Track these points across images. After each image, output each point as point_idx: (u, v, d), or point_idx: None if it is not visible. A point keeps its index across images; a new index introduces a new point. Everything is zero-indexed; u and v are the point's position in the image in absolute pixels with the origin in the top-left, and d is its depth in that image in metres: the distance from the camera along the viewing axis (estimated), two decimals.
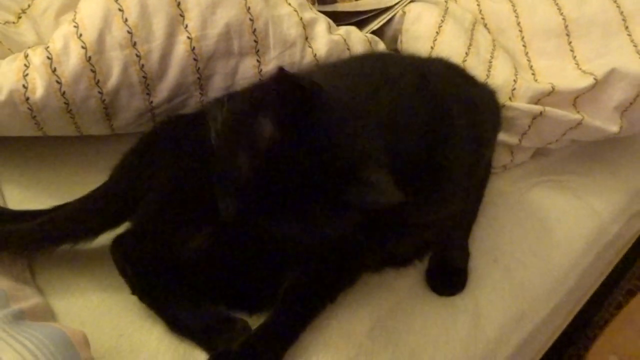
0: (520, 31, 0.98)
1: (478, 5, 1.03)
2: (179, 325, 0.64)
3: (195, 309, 0.65)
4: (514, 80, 0.87)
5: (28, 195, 0.75)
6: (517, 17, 0.99)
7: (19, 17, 0.89)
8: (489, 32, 0.99)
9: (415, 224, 0.67)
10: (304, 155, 0.51)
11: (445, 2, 0.99)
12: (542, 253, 0.84)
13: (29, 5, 0.89)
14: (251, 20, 0.78)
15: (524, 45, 0.97)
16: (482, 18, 1.02)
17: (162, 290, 0.65)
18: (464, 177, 0.67)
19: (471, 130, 0.66)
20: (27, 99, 0.69)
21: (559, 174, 0.95)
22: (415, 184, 0.57)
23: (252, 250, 0.66)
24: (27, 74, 0.69)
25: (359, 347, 0.67)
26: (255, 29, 0.79)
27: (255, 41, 0.79)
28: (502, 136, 0.87)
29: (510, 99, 0.86)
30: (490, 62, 0.91)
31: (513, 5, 1.00)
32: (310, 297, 0.67)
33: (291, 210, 0.52)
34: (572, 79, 0.88)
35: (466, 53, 0.90)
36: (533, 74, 0.94)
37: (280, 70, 0.49)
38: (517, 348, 0.78)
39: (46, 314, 0.61)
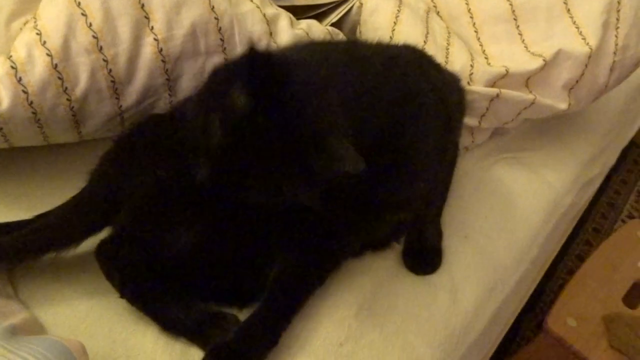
0: (472, 18, 1.03)
1: None
2: (172, 324, 0.64)
3: (185, 307, 0.65)
4: (471, 65, 0.92)
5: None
6: (467, 4, 1.03)
7: None
8: (442, 19, 1.04)
9: (387, 203, 0.70)
10: (273, 126, 0.54)
11: None
12: (507, 226, 0.90)
13: None
14: (216, 19, 0.78)
15: (476, 31, 1.02)
16: (435, 6, 1.06)
17: (151, 291, 0.65)
18: (433, 157, 0.71)
19: (440, 113, 0.70)
20: None
21: (515, 150, 1.01)
22: (383, 159, 0.62)
23: (237, 245, 0.67)
24: None
25: (349, 330, 0.70)
26: (220, 28, 0.79)
27: (222, 39, 0.80)
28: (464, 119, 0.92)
29: (468, 83, 0.91)
30: (447, 49, 0.95)
31: None
32: (298, 281, 0.69)
33: (260, 177, 0.56)
34: (523, 62, 0.93)
35: (424, 41, 0.94)
36: (486, 58, 0.99)
37: (252, 48, 0.53)
38: (492, 317, 0.84)
39: (36, 328, 0.60)
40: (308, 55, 0.65)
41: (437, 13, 1.06)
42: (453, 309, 0.78)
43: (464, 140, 0.96)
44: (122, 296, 0.66)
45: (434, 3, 1.07)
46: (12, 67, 0.68)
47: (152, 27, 0.74)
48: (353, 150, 0.54)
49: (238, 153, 0.55)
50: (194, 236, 0.66)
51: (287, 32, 0.87)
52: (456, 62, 0.92)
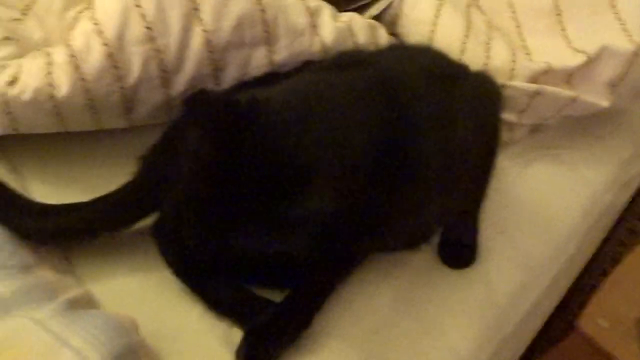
0: (513, 12, 1.02)
1: None
2: (217, 304, 0.67)
3: (231, 289, 0.68)
4: (513, 61, 0.91)
5: (52, 190, 0.76)
6: None
7: (24, 14, 0.89)
8: (484, 13, 1.03)
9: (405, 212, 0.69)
10: (248, 171, 0.53)
11: None
12: (543, 223, 0.90)
13: (33, 2, 0.89)
14: (262, 11, 0.80)
15: (518, 26, 1.01)
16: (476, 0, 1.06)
17: (201, 271, 0.68)
18: (446, 169, 0.67)
19: (447, 124, 0.67)
20: (52, 96, 0.70)
21: (553, 148, 1.00)
22: (383, 183, 0.61)
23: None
24: (50, 72, 0.70)
25: (384, 318, 0.72)
26: (265, 20, 0.81)
27: (266, 31, 0.82)
28: (502, 114, 0.92)
29: (509, 78, 0.91)
30: (488, 43, 0.95)
31: None
32: (329, 267, 0.70)
33: (246, 224, 0.56)
34: (565, 57, 0.93)
35: (465, 36, 0.94)
36: (527, 53, 0.98)
37: (201, 92, 0.54)
38: (526, 314, 0.84)
39: (91, 303, 0.64)
40: (288, 84, 0.65)
41: (479, 7, 1.05)
42: (488, 303, 0.79)
43: (503, 135, 0.95)
44: (174, 274, 0.69)
45: None
46: (72, 56, 0.71)
47: (201, 19, 0.77)
48: (333, 192, 0.53)
49: (219, 203, 0.55)
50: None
51: (330, 24, 0.88)
52: (497, 57, 0.92)
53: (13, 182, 0.72)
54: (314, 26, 0.86)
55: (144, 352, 0.58)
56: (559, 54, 0.94)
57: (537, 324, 0.95)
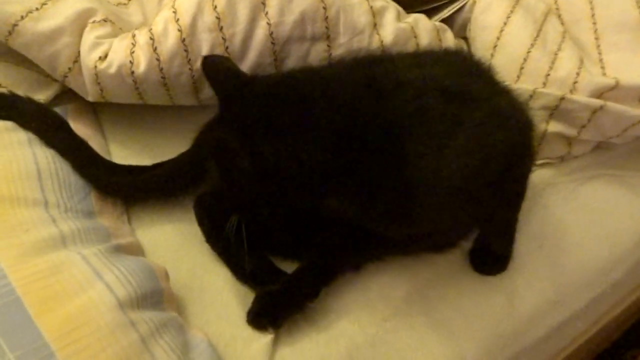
0: (594, 23, 0.98)
1: None
2: (240, 271, 0.76)
3: (254, 260, 0.75)
4: (577, 73, 0.88)
5: (129, 152, 0.89)
6: (592, 8, 0.99)
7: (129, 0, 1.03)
8: (563, 23, 1.00)
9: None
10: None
11: None
12: (588, 244, 0.87)
13: None
14: (324, 8, 0.86)
15: (596, 38, 0.97)
16: (557, 8, 1.02)
17: (230, 241, 0.76)
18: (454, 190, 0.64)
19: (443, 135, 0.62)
20: (132, 72, 0.82)
21: (619, 168, 0.95)
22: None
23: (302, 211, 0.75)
24: (133, 51, 0.82)
25: (396, 309, 0.76)
26: (327, 17, 0.86)
27: (327, 27, 0.87)
28: (560, 127, 0.90)
29: (570, 91, 0.88)
30: (557, 54, 0.92)
31: None
32: (339, 246, 0.76)
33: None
34: (638, 74, 0.88)
35: (532, 44, 0.92)
36: (602, 67, 0.94)
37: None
38: (551, 331, 0.83)
39: (137, 250, 0.75)
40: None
41: (559, 16, 1.02)
42: (508, 312, 0.79)
43: (560, 149, 0.93)
44: (207, 241, 0.78)
45: (556, 5, 1.03)
46: (151, 38, 0.82)
47: (267, 12, 0.84)
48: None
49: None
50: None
51: (392, 25, 0.92)
52: (562, 68, 0.90)
53: (97, 143, 0.85)
54: (375, 25, 0.90)
55: (168, 298, 0.68)
56: (635, 71, 0.90)
57: (568, 345, 0.92)
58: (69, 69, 0.83)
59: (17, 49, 0.82)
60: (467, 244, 0.84)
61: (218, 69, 0.69)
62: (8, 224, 0.62)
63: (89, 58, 0.81)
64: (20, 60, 0.86)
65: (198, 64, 0.84)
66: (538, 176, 0.92)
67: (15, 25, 0.80)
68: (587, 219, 0.89)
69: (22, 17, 0.80)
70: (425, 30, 0.95)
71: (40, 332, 0.53)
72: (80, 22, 0.84)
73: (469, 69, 0.73)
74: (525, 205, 0.81)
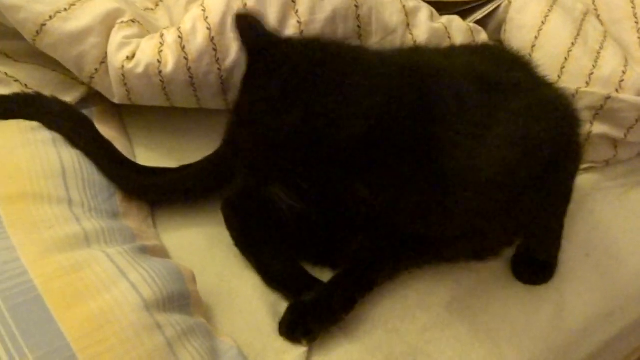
0: (637, 22, 0.94)
1: None
2: (271, 277, 0.71)
3: (285, 265, 0.71)
4: (623, 72, 0.84)
5: (154, 156, 0.86)
6: (633, 7, 0.95)
7: (157, 5, 1.02)
8: (602, 23, 0.96)
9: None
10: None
11: None
12: (638, 252, 0.81)
13: None
14: (356, 6, 0.83)
15: None
16: (595, 9, 0.99)
17: (261, 245, 0.73)
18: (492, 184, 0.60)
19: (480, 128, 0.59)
20: (160, 72, 0.80)
21: None
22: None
23: (334, 214, 0.71)
24: (161, 51, 0.80)
25: (436, 318, 0.71)
26: (359, 15, 0.84)
27: (359, 26, 0.84)
28: (605, 129, 0.85)
29: (617, 90, 0.84)
30: (599, 52, 0.88)
31: None
32: (377, 256, 0.70)
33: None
34: None
35: (572, 43, 0.88)
36: None
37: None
38: (605, 344, 0.76)
39: (163, 254, 0.71)
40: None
41: (597, 16, 0.98)
42: (556, 325, 0.73)
43: (605, 153, 0.88)
44: (236, 245, 0.74)
45: (594, 6, 0.99)
46: (179, 37, 0.80)
47: (297, 10, 0.82)
48: None
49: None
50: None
51: (425, 24, 0.89)
52: (606, 66, 0.85)
53: (122, 146, 0.83)
54: (408, 25, 0.87)
55: (196, 302, 0.64)
56: None
57: (620, 357, 0.86)
58: (96, 69, 0.81)
59: (44, 49, 0.81)
60: (510, 252, 0.79)
61: (250, 25, 0.65)
62: (31, 220, 0.60)
63: (116, 58, 0.80)
64: (46, 62, 0.84)
65: (227, 63, 0.81)
66: (582, 181, 0.86)
67: (43, 25, 0.79)
68: (636, 226, 0.84)
69: (50, 17, 0.79)
70: (459, 31, 0.92)
71: (62, 332, 0.49)
72: (108, 22, 0.82)
73: (509, 60, 0.70)
74: (570, 210, 0.76)
